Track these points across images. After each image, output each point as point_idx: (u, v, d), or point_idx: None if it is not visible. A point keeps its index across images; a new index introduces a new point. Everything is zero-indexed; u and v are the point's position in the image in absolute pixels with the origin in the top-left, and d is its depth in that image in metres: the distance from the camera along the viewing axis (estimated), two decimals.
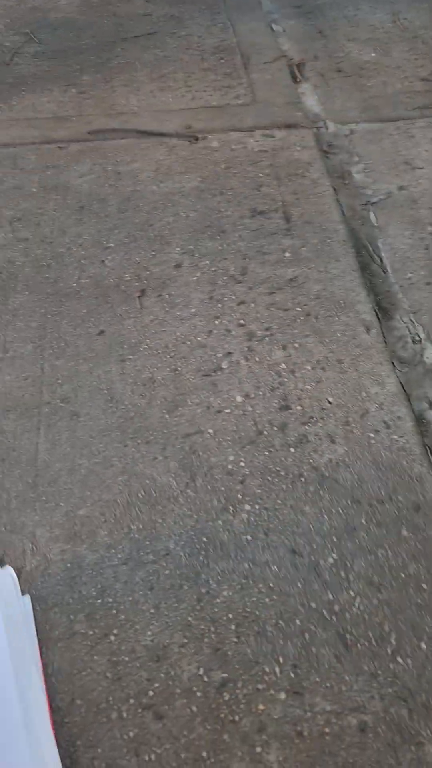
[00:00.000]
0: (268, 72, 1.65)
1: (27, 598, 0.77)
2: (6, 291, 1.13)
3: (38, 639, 0.74)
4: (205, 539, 0.83)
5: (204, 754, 0.67)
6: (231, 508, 0.86)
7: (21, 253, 1.19)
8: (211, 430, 0.94)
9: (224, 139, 1.44)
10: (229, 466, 0.90)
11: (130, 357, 1.03)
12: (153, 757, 0.67)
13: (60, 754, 0.67)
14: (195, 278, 1.14)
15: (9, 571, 0.79)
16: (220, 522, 0.84)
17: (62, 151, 1.42)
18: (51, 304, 1.11)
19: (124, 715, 0.70)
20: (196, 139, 1.44)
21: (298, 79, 1.64)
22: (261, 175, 1.34)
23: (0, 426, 0.95)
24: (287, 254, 1.17)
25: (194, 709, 0.70)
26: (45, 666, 0.73)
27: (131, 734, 0.69)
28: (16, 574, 0.80)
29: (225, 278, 1.14)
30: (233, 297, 1.11)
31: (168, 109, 1.55)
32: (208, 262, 1.16)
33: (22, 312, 1.09)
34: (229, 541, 0.83)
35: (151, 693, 0.71)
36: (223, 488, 0.88)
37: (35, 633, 0.75)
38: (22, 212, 1.26)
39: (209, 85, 1.61)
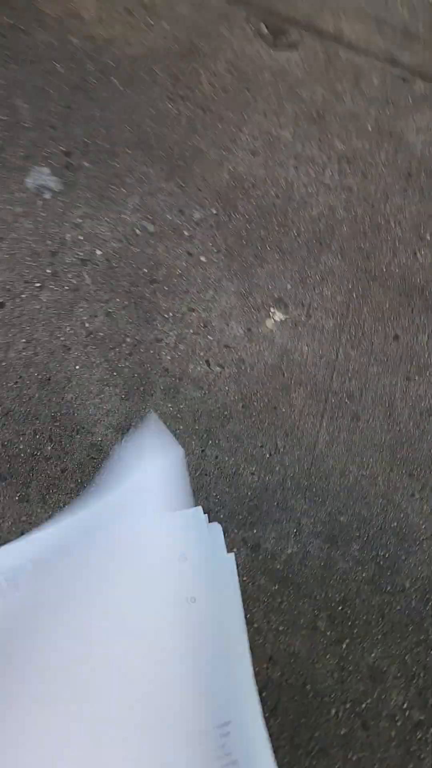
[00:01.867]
0: None
1: (231, 557, 0.88)
2: (321, 246, 1.11)
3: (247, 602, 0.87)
4: None
5: None
6: None
7: (343, 205, 1.15)
8: None
9: None
10: None
11: (416, 378, 1.06)
12: (355, 758, 0.84)
13: (288, 730, 0.83)
14: None
15: (218, 527, 0.88)
16: None
17: (405, 86, 1.30)
18: (359, 282, 1.10)
19: (340, 714, 0.85)
20: None
21: None
22: None
23: (290, 399, 1.00)
24: None
25: (393, 734, 0.86)
26: (255, 632, 0.86)
27: (342, 732, 0.85)
28: (278, 551, 0.91)
29: None
30: None
31: None
32: None
33: (331, 279, 1.09)
34: None
35: (363, 705, 0.86)
36: None
37: (239, 590, 0.87)
38: (352, 152, 1.20)
39: None
